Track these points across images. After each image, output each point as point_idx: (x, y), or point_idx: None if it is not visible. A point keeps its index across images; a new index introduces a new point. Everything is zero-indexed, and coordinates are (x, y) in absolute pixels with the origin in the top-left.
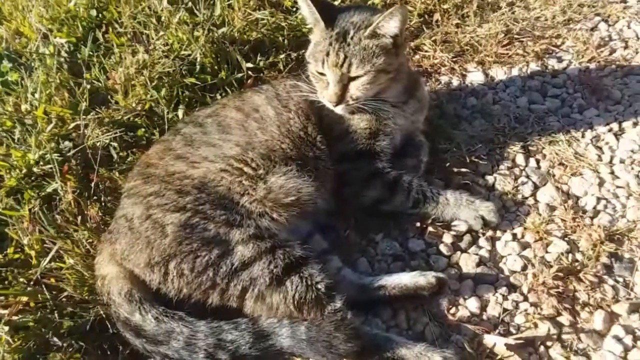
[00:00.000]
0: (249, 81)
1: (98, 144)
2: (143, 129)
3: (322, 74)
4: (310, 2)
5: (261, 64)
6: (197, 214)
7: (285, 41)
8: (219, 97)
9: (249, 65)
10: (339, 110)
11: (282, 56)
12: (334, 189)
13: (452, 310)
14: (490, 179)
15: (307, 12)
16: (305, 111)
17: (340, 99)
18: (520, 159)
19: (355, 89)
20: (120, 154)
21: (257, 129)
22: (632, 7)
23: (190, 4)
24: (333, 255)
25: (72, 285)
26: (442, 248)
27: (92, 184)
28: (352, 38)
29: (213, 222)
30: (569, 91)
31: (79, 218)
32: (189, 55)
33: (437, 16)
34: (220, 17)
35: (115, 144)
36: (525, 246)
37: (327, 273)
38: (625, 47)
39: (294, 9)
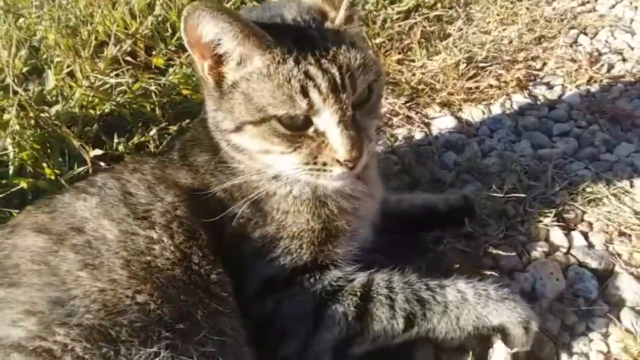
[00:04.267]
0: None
1: None
2: None
3: (304, 124)
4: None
5: (120, 147)
6: None
7: (158, 110)
8: None
9: (97, 152)
10: (350, 178)
11: (152, 132)
12: None
13: None
14: (523, 278)
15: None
16: (188, 223)
17: (361, 146)
18: (557, 237)
19: (366, 119)
20: None
21: (81, 269)
22: (607, 15)
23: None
24: None
25: None
26: None
27: None
28: (323, 36)
29: None
30: (581, 124)
31: None
32: None
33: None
34: (54, 90)
35: None
36: None
37: None
38: (624, 60)
39: (168, 67)
